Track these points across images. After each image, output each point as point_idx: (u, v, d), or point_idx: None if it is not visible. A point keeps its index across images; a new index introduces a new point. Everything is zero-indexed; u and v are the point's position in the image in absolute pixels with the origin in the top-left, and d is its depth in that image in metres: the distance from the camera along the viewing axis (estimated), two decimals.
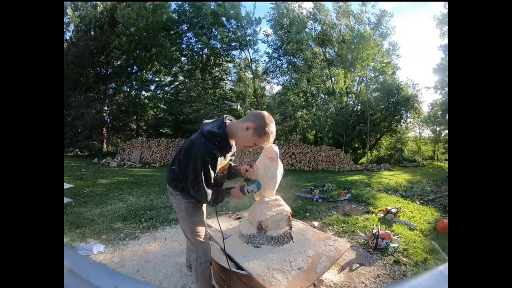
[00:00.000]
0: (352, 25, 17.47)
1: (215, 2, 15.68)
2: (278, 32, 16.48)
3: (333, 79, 18.15)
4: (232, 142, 1.56)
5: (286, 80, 18.03)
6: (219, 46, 16.56)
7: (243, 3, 18.88)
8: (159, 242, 2.93)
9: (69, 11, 15.00)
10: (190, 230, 1.69)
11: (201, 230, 1.71)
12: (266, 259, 1.77)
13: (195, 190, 1.49)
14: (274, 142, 1.72)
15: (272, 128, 1.50)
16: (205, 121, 1.56)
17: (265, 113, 1.50)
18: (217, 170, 1.52)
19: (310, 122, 15.51)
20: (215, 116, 14.31)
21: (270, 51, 17.53)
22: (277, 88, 19.17)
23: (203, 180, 1.43)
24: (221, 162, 1.53)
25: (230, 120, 1.58)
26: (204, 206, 1.82)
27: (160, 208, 4.19)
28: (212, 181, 1.49)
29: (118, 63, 16.71)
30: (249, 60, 17.54)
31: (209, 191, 1.50)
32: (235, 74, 19.50)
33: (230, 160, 1.75)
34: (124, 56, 16.06)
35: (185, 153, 1.47)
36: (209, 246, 1.78)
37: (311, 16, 17.70)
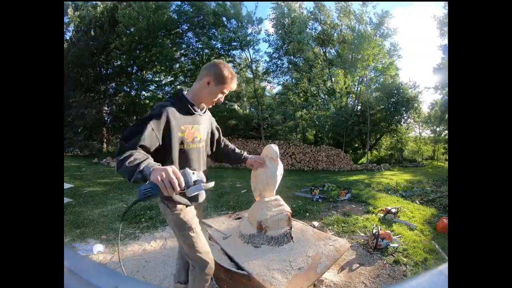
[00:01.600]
0: (353, 25, 17.46)
1: (215, 2, 15.68)
2: (280, 31, 16.47)
3: (333, 79, 18.14)
4: (202, 105, 1.45)
5: (287, 80, 18.02)
6: (219, 46, 16.56)
7: (245, 2, 18.87)
8: (159, 242, 2.93)
9: (69, 11, 15.01)
10: (184, 245, 1.44)
11: (197, 242, 1.42)
12: (266, 259, 1.77)
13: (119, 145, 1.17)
14: (274, 142, 1.71)
15: (229, 69, 1.38)
16: None
17: (215, 60, 1.41)
18: (183, 135, 1.32)
19: (310, 122, 15.51)
20: (216, 117, 14.34)
21: (271, 51, 17.54)
22: (277, 88, 19.18)
23: (131, 131, 1.17)
24: (188, 126, 1.35)
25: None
26: (194, 212, 1.51)
27: (160, 208, 4.18)
28: (147, 142, 1.17)
29: (118, 63, 16.70)
30: (250, 60, 17.53)
31: (129, 151, 1.09)
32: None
33: (219, 138, 1.68)
34: (124, 56, 16.05)
35: None
36: (209, 258, 1.48)
37: (312, 16, 17.70)
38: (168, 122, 1.25)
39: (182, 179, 1.01)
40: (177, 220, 1.41)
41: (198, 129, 1.43)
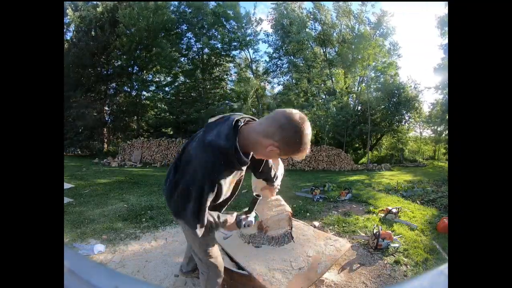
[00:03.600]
0: (352, 25, 17.47)
1: (215, 2, 15.72)
2: (279, 32, 16.49)
3: (333, 79, 18.12)
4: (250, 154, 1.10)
5: (287, 80, 18.04)
6: (219, 46, 16.58)
7: (244, 3, 18.90)
8: (159, 242, 2.93)
9: (69, 11, 15.03)
10: (201, 252, 1.48)
11: (214, 249, 1.53)
12: (267, 259, 1.77)
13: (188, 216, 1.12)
14: None
15: (306, 136, 0.98)
16: (210, 120, 1.10)
17: (294, 116, 0.97)
18: (224, 190, 1.10)
19: (311, 122, 15.50)
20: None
21: (271, 51, 17.57)
22: (277, 88, 19.20)
23: (199, 208, 1.06)
24: (232, 180, 1.16)
25: (247, 122, 1.07)
26: None
27: (160, 208, 4.19)
28: (207, 206, 1.08)
29: (119, 63, 16.74)
30: (250, 60, 17.54)
31: (202, 221, 1.09)
32: (235, 74, 19.53)
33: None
34: (124, 56, 16.08)
35: (187, 164, 1.10)
36: (221, 263, 1.56)
37: (311, 16, 17.71)
38: (220, 189, 1.09)
39: None
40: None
41: (239, 177, 1.34)
